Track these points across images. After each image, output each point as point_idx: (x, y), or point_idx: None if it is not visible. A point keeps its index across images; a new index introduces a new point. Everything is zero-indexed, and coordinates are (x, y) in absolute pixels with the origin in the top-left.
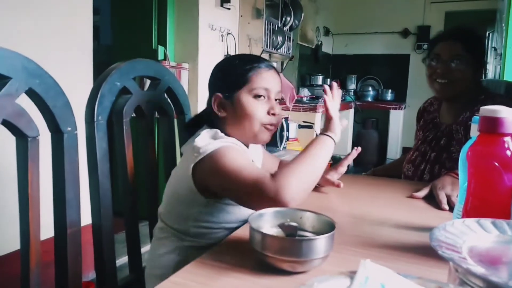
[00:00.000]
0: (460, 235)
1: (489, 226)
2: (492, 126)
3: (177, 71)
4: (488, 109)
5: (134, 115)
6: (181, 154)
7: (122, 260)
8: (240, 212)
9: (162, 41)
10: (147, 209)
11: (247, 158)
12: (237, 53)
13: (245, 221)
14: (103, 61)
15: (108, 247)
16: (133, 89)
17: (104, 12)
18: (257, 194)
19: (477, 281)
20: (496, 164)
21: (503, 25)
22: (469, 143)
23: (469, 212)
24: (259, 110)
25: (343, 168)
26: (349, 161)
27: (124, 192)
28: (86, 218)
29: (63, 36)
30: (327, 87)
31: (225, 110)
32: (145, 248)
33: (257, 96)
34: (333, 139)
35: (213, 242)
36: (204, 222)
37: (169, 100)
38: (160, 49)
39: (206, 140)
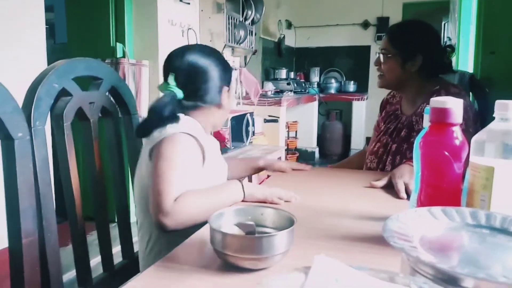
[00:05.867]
0: (412, 225)
1: (440, 214)
2: (441, 116)
3: (137, 68)
4: (437, 100)
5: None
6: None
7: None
8: None
9: (121, 38)
10: (97, 212)
11: (189, 157)
12: None
13: None
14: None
15: (53, 260)
16: (74, 90)
17: (58, 9)
18: (155, 202)
19: (427, 268)
20: (446, 153)
21: (456, 15)
22: (421, 133)
23: (423, 200)
24: None
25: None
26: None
27: (68, 199)
28: None
29: (13, 35)
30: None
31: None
32: (94, 260)
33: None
34: (244, 192)
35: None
36: None
37: (113, 100)
38: (119, 46)
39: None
